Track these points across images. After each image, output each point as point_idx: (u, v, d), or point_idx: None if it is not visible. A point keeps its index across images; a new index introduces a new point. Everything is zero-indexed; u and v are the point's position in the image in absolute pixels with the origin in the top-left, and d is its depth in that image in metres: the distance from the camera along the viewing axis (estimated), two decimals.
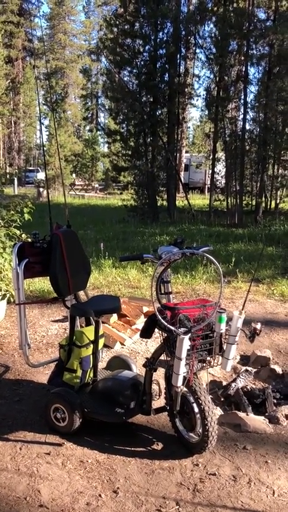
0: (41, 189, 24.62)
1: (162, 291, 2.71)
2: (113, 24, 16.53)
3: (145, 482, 2.44)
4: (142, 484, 2.42)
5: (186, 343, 2.33)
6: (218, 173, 17.40)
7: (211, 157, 17.18)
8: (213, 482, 2.43)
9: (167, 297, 2.71)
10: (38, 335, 4.51)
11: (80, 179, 39.87)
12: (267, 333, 4.54)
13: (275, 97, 14.22)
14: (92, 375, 3.04)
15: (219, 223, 14.32)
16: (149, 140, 15.96)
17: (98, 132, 40.52)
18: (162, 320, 2.40)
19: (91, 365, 3.00)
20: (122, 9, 16.36)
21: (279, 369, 3.85)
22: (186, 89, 17.16)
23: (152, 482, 2.44)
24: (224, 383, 3.64)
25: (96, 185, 37.62)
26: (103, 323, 4.17)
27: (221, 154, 17.51)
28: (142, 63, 15.95)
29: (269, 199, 17.04)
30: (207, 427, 2.49)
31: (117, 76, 17.28)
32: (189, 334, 2.35)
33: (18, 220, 5.11)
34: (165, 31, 16.00)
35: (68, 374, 2.96)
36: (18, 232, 5.01)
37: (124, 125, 18.17)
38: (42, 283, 6.02)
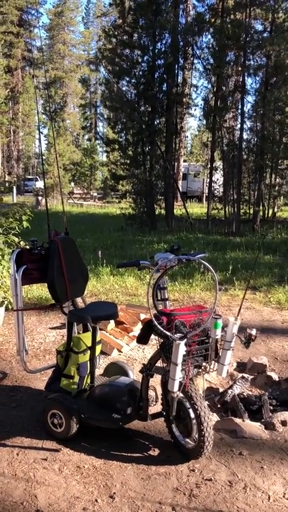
0: (40, 197, 24.69)
1: (159, 297, 2.73)
2: (111, 35, 16.72)
3: (141, 487, 2.45)
4: (138, 489, 2.43)
5: (182, 348, 2.35)
6: (215, 182, 17.50)
7: (209, 166, 17.28)
8: (209, 488, 2.44)
9: (163, 304, 2.74)
10: (35, 341, 4.52)
11: (79, 188, 40.01)
12: (264, 340, 4.56)
13: (272, 107, 14.37)
14: (89, 381, 3.05)
15: (217, 232, 14.37)
16: (147, 149, 16.06)
17: (97, 141, 40.83)
18: (158, 326, 2.43)
19: (88, 371, 3.02)
20: (121, 20, 16.55)
21: (275, 376, 3.87)
22: (184, 99, 17.31)
23: (149, 487, 2.45)
24: (221, 390, 3.66)
25: (95, 194, 37.74)
26: (100, 329, 4.19)
27: (218, 163, 17.62)
28: (140, 73, 16.09)
29: (267, 207, 17.13)
30: (203, 433, 2.51)
31: (115, 85, 17.43)
32: (185, 340, 2.38)
33: (16, 227, 5.16)
34: (164, 42, 16.15)
35: (65, 380, 2.97)
36: (16, 239, 5.04)
37: (122, 135, 18.30)
38: (40, 291, 6.04)
